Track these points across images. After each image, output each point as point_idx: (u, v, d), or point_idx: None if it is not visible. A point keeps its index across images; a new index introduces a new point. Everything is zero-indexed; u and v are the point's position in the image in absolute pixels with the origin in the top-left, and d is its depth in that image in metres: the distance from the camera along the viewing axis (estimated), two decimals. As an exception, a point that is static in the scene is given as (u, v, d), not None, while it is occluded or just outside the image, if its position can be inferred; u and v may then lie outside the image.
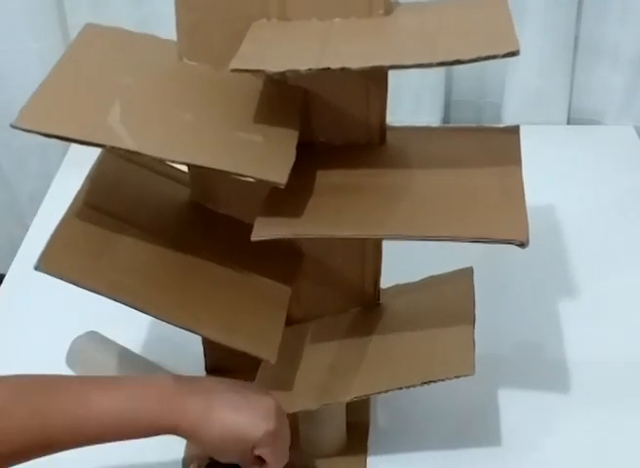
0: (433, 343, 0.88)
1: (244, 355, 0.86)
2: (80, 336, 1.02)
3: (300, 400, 0.87)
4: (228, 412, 0.76)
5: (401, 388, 0.84)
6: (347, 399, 0.85)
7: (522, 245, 0.75)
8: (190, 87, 0.84)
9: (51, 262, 0.80)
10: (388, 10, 0.82)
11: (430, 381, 0.83)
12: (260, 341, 0.85)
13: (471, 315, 0.88)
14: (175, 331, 0.88)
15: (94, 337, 1.03)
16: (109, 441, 0.75)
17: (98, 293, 0.82)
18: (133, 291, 0.83)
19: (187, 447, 0.94)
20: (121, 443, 0.84)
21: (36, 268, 0.80)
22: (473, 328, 0.87)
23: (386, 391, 0.85)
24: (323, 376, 0.89)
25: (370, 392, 0.87)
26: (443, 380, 0.82)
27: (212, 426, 0.75)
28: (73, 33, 0.90)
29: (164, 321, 0.84)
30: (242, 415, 0.76)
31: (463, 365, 0.82)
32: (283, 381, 0.89)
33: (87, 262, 0.83)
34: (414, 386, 0.83)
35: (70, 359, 1.00)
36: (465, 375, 0.81)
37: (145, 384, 0.77)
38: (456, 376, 0.82)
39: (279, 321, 0.88)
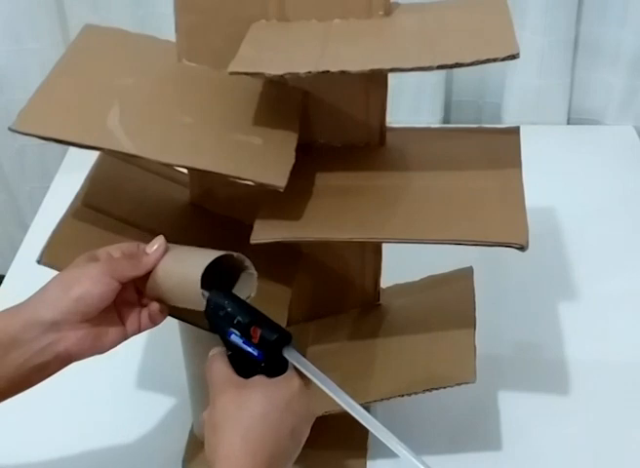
0: (434, 348, 0.88)
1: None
2: None
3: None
4: None
5: (402, 395, 0.84)
6: None
7: (522, 248, 0.75)
8: (189, 88, 0.83)
9: (53, 256, 0.80)
10: (388, 11, 0.81)
11: (432, 389, 0.83)
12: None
13: (471, 317, 0.88)
14: (177, 333, 0.89)
15: None
16: None
17: None
18: None
19: (187, 447, 0.94)
20: (121, 443, 0.85)
21: (39, 262, 0.79)
22: (474, 332, 0.86)
23: (389, 398, 0.85)
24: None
25: (372, 399, 0.86)
26: (445, 388, 0.83)
27: None
28: (73, 33, 0.90)
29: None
30: None
31: (465, 372, 0.82)
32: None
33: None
34: (415, 393, 0.83)
35: None
36: (467, 383, 0.82)
37: None
38: (457, 384, 0.82)
39: (282, 318, 0.87)
